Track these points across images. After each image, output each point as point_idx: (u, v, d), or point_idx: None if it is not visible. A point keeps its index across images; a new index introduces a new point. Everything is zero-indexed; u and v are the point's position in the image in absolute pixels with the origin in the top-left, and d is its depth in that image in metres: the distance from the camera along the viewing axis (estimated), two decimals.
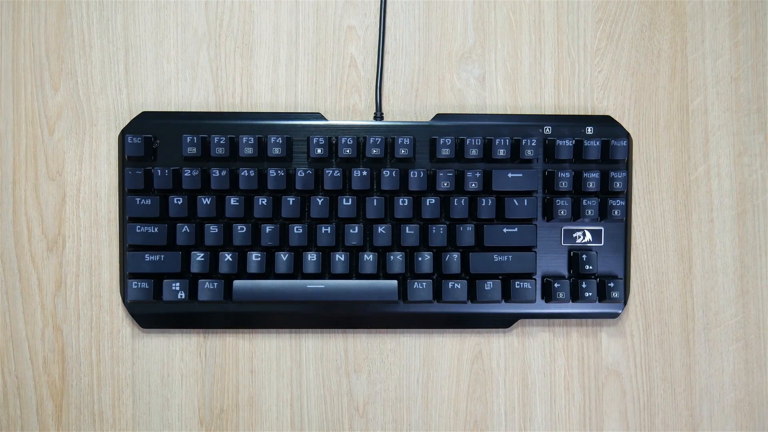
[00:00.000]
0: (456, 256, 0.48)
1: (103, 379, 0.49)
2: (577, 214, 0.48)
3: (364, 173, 0.47)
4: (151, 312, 0.48)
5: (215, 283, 0.47)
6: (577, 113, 0.51)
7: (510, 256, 0.48)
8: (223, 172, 0.47)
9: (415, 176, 0.47)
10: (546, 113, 0.51)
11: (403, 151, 0.47)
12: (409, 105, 0.51)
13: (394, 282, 0.47)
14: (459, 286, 0.47)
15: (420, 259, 0.47)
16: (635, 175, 0.51)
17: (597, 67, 0.52)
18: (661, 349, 0.51)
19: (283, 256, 0.47)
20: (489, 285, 0.47)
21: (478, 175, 0.47)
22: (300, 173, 0.47)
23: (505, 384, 0.50)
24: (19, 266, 0.49)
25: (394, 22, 0.51)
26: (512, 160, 0.48)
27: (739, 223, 0.51)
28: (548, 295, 0.48)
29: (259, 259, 0.47)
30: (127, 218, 0.47)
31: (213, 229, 0.47)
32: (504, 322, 0.49)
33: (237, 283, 0.47)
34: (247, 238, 0.47)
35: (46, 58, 0.50)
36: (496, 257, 0.48)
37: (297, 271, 0.47)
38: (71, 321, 0.49)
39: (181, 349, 0.50)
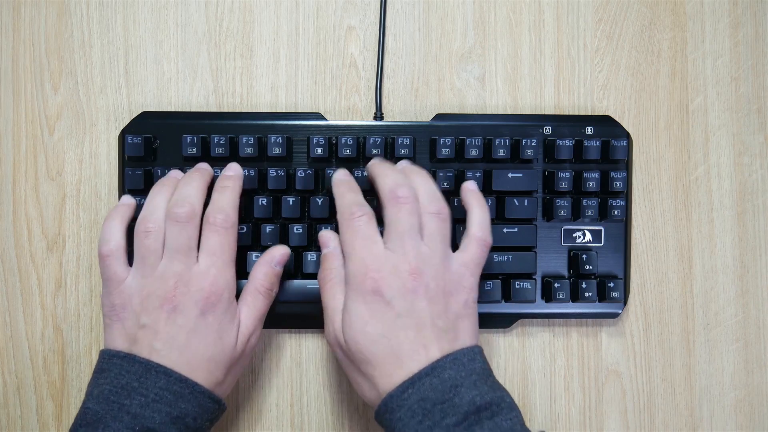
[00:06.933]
0: None
1: None
2: (577, 214, 0.48)
3: (365, 173, 0.47)
4: None
5: None
6: (577, 113, 0.51)
7: (510, 256, 0.48)
8: None
9: None
10: (546, 113, 0.51)
11: (403, 151, 0.47)
12: (409, 105, 0.51)
13: None
14: None
15: None
16: (635, 175, 0.51)
17: (597, 67, 0.52)
18: (661, 349, 0.51)
19: None
20: (489, 285, 0.47)
21: (478, 175, 0.47)
22: (300, 173, 0.47)
23: (505, 384, 0.50)
24: (19, 266, 0.49)
25: (394, 22, 0.51)
26: (512, 160, 0.48)
27: (739, 223, 0.51)
28: (548, 295, 0.48)
29: None
30: None
31: None
32: (504, 322, 0.49)
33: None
34: (247, 238, 0.47)
35: (46, 58, 0.50)
36: (496, 257, 0.47)
37: (297, 271, 0.47)
38: (71, 321, 0.49)
39: None
